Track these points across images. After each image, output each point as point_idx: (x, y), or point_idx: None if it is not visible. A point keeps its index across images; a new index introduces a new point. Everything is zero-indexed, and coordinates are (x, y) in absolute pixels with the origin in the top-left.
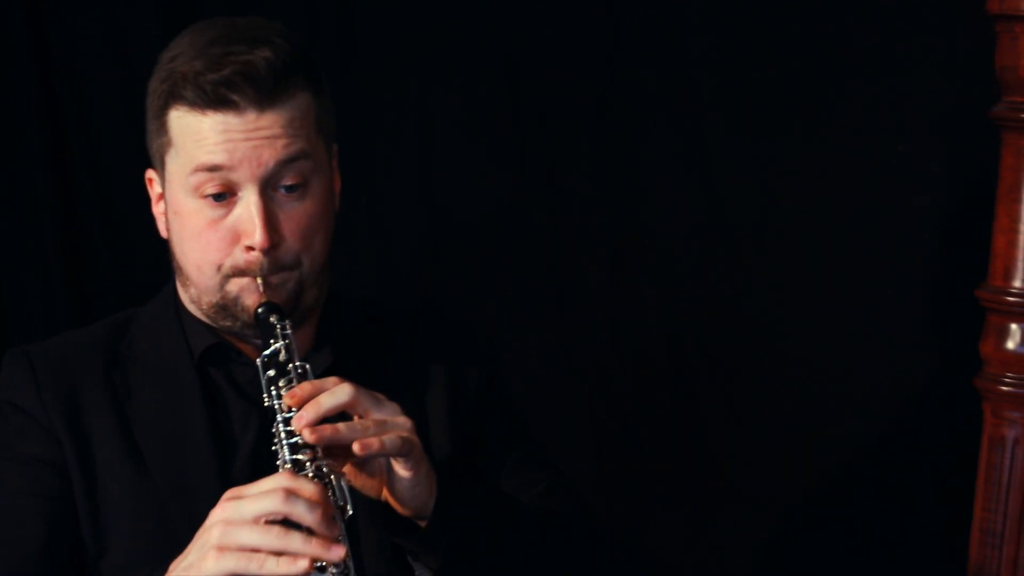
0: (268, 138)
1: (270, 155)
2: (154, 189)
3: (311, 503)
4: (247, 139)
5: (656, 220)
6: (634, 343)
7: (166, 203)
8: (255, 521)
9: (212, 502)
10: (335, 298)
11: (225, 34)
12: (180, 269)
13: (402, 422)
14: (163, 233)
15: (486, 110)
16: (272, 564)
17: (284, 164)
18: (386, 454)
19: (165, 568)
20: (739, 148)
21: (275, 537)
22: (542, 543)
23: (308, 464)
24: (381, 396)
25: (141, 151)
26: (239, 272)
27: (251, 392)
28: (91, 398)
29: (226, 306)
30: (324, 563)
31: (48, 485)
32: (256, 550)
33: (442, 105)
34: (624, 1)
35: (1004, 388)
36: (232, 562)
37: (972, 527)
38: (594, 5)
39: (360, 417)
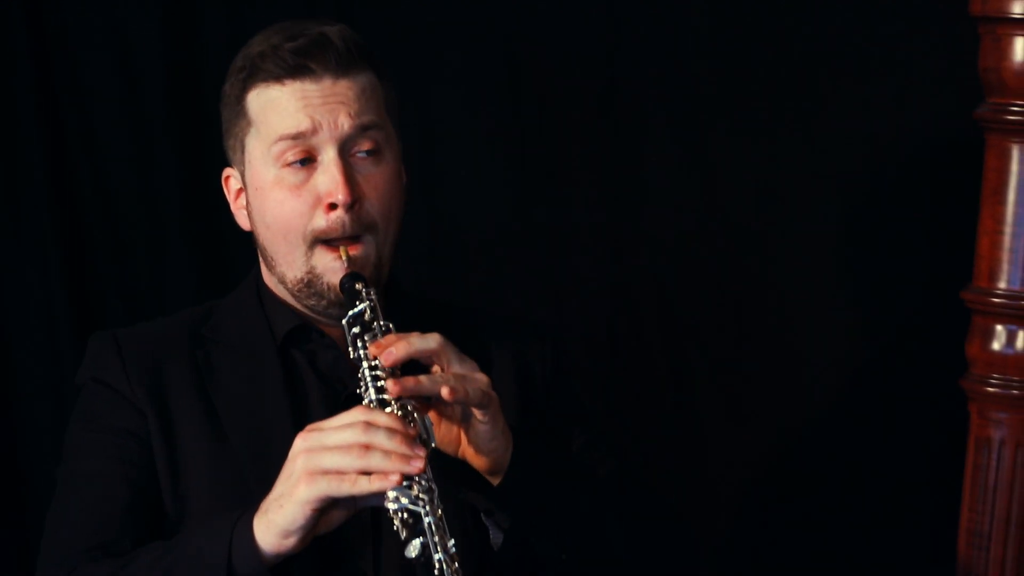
0: (344, 102)
1: (346, 118)
2: (231, 187)
3: (389, 431)
4: (324, 103)
5: (656, 220)
6: (634, 343)
7: (248, 189)
8: (336, 448)
9: None
10: (397, 286)
11: (296, 21)
12: (265, 250)
13: (481, 377)
14: (245, 225)
15: (486, 110)
16: (364, 483)
17: (360, 129)
18: (469, 403)
19: (255, 508)
20: (739, 148)
21: (356, 457)
22: (612, 515)
23: (393, 403)
24: (462, 355)
25: (141, 150)
26: (322, 236)
27: (331, 376)
28: (174, 375)
29: (311, 282)
30: (414, 479)
31: (132, 453)
32: (341, 472)
33: (442, 105)
34: (624, 1)
35: (990, 389)
36: (324, 484)
37: (959, 528)
38: (594, 5)
39: (442, 370)
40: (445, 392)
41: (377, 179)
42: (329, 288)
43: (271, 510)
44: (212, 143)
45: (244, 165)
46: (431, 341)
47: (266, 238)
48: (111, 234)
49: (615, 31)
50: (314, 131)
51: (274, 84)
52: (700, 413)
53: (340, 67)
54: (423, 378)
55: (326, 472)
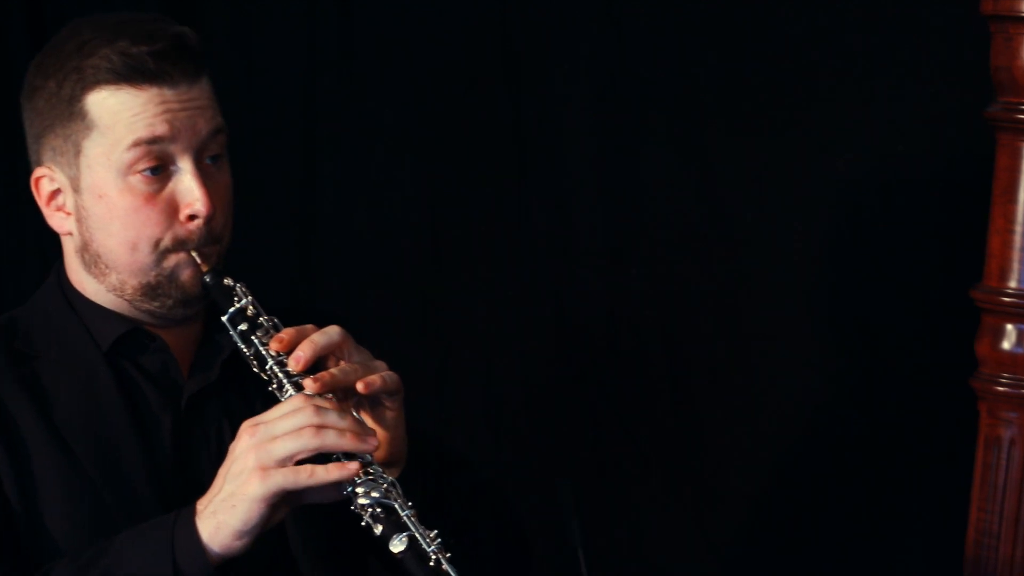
0: (200, 108)
1: (203, 125)
2: (43, 189)
3: (339, 412)
4: (183, 109)
5: (656, 220)
6: (633, 342)
7: (82, 194)
8: (287, 434)
9: (142, 486)
10: None
11: (132, 18)
12: (98, 257)
13: (382, 364)
14: (61, 229)
15: (486, 109)
16: (322, 472)
17: (213, 134)
18: (387, 391)
19: (191, 510)
20: (740, 148)
21: (310, 438)
22: (486, 501)
23: (328, 397)
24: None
25: None
26: (179, 245)
27: (165, 381)
28: (7, 394)
29: (159, 285)
30: (372, 472)
31: None
32: (293, 457)
33: (442, 104)
34: (624, 1)
35: (1000, 388)
36: (279, 478)
37: (968, 528)
38: (594, 5)
39: (345, 360)
40: (361, 386)
41: (222, 188)
42: (178, 287)
43: (221, 511)
44: None
45: (78, 168)
46: (333, 334)
47: (104, 245)
48: None
49: (615, 31)
50: (172, 138)
51: (126, 87)
52: (700, 413)
53: (195, 71)
54: (336, 371)
55: (280, 464)
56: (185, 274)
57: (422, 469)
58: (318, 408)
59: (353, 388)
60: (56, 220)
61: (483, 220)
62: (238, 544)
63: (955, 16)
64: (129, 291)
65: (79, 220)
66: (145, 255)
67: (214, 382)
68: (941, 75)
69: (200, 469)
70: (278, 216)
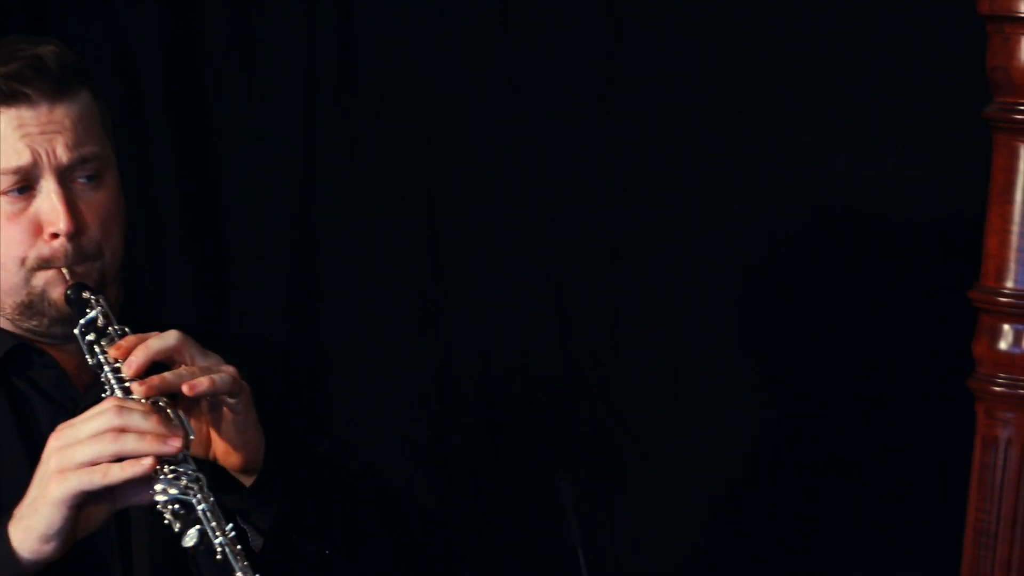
0: (61, 131)
1: (64, 149)
2: None
3: (145, 412)
4: (42, 132)
5: (656, 220)
6: (633, 343)
7: None
8: (89, 439)
9: None
10: (134, 306)
11: (3, 41)
12: None
13: (228, 367)
14: None
15: (486, 109)
16: (116, 470)
17: (79, 155)
18: (216, 392)
19: (8, 516)
20: (739, 148)
21: (109, 443)
22: (370, 508)
23: (141, 400)
24: (204, 349)
25: (140, 149)
26: (44, 263)
27: (57, 395)
28: None
29: (32, 303)
30: (178, 470)
31: None
32: (94, 461)
33: (441, 105)
34: (624, 1)
35: (997, 388)
36: (75, 480)
37: (966, 528)
38: (594, 5)
39: (186, 364)
40: (186, 389)
41: (98, 205)
42: (51, 304)
43: (26, 515)
44: (212, 143)
45: None
46: (170, 338)
47: None
48: None
49: (615, 31)
50: (33, 164)
51: None
52: (701, 413)
53: (56, 91)
54: (167, 374)
55: (79, 466)
56: (56, 292)
57: (284, 474)
58: (121, 409)
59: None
60: None
61: (483, 220)
62: (47, 549)
63: (953, 16)
64: (8, 310)
65: None
66: (13, 274)
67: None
68: (938, 75)
69: None
70: (278, 216)
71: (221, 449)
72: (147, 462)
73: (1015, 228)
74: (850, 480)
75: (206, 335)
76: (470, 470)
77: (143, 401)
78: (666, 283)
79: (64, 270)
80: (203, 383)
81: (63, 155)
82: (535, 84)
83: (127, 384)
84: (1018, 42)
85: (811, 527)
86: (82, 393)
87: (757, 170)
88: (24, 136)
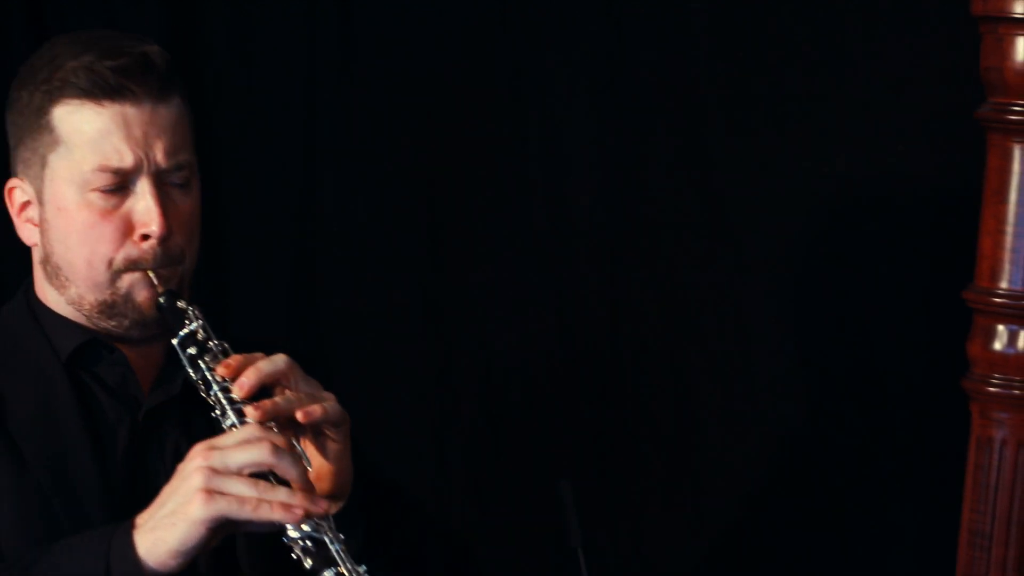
0: (162, 133)
1: (164, 151)
2: (15, 199)
3: (294, 456)
4: (144, 133)
5: (656, 220)
6: (634, 343)
7: (45, 205)
8: (240, 471)
9: (93, 499)
10: None
11: (105, 35)
12: (59, 269)
13: (329, 395)
14: (29, 241)
15: (486, 110)
16: (266, 510)
17: (175, 161)
18: (328, 421)
19: (129, 524)
20: (739, 148)
21: (264, 490)
22: (428, 539)
23: (275, 430)
24: (305, 374)
25: None
26: (132, 264)
27: (123, 394)
28: None
29: (115, 304)
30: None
31: None
32: (242, 497)
33: (442, 105)
34: (624, 1)
35: (991, 389)
36: (223, 506)
37: (960, 529)
38: (594, 5)
39: (291, 389)
40: (300, 415)
41: (185, 211)
42: (134, 308)
43: (161, 527)
44: (212, 142)
45: (43, 181)
46: (279, 362)
47: (64, 259)
48: None
49: (615, 31)
50: (135, 167)
51: (89, 103)
52: (700, 412)
53: (160, 92)
54: (280, 400)
55: (226, 494)
56: (141, 295)
57: (367, 502)
58: (275, 449)
59: (294, 417)
60: (26, 232)
61: (483, 219)
62: (173, 563)
63: (944, 16)
64: (87, 306)
65: (42, 232)
66: (100, 272)
67: (175, 397)
68: (934, 75)
69: (153, 483)
70: (278, 216)
71: (313, 475)
72: (299, 512)
73: (1009, 229)
74: (845, 480)
75: (258, 345)
76: (470, 470)
77: (275, 429)
78: (666, 283)
79: (151, 273)
80: (316, 411)
81: (161, 159)
82: (535, 84)
83: (240, 406)
84: (1012, 43)
85: (807, 527)
86: (146, 393)
87: (757, 170)
88: (128, 137)
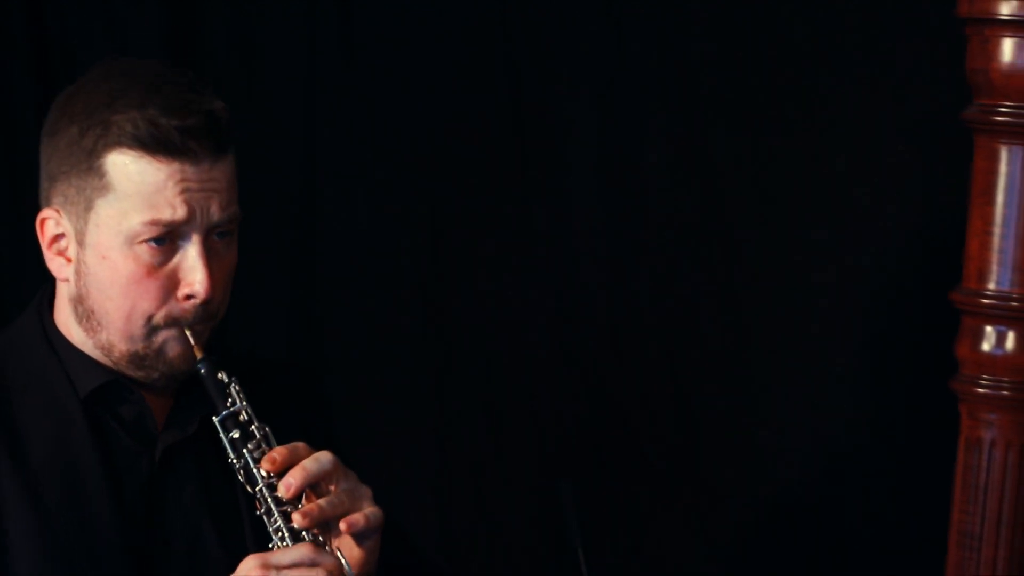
0: (217, 190)
1: (217, 209)
2: (47, 230)
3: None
4: (201, 189)
5: (656, 220)
6: (634, 343)
7: (86, 247)
8: None
9: (110, 538)
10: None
11: (168, 79)
12: (91, 314)
13: (365, 491)
14: (59, 275)
15: (486, 110)
16: None
17: (227, 215)
18: (369, 529)
19: None
20: (739, 148)
21: None
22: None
23: (305, 535)
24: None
25: None
26: (172, 322)
27: (138, 430)
28: None
29: (146, 356)
30: None
31: None
32: None
33: (442, 105)
34: (624, 1)
35: (980, 390)
36: None
37: (950, 529)
38: (594, 5)
39: (330, 487)
40: (344, 526)
41: (226, 266)
42: (166, 363)
43: None
44: None
45: (86, 223)
46: (325, 463)
47: (100, 306)
48: None
49: (615, 31)
50: (187, 220)
51: (148, 157)
52: (700, 413)
53: (220, 150)
54: (325, 505)
55: None
56: (174, 351)
57: None
58: (327, 572)
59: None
60: (56, 264)
61: (483, 221)
62: None
63: (931, 18)
64: (116, 355)
65: (78, 273)
66: (138, 327)
67: (191, 436)
68: (918, 78)
69: (170, 522)
70: (278, 217)
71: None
72: None
73: (996, 230)
74: (833, 482)
75: (250, 363)
76: (471, 470)
77: (327, 548)
78: (666, 283)
79: (188, 332)
80: (359, 521)
81: (215, 214)
82: (535, 84)
83: (286, 508)
84: (997, 44)
85: (794, 529)
86: (159, 433)
87: (757, 170)
88: (184, 192)
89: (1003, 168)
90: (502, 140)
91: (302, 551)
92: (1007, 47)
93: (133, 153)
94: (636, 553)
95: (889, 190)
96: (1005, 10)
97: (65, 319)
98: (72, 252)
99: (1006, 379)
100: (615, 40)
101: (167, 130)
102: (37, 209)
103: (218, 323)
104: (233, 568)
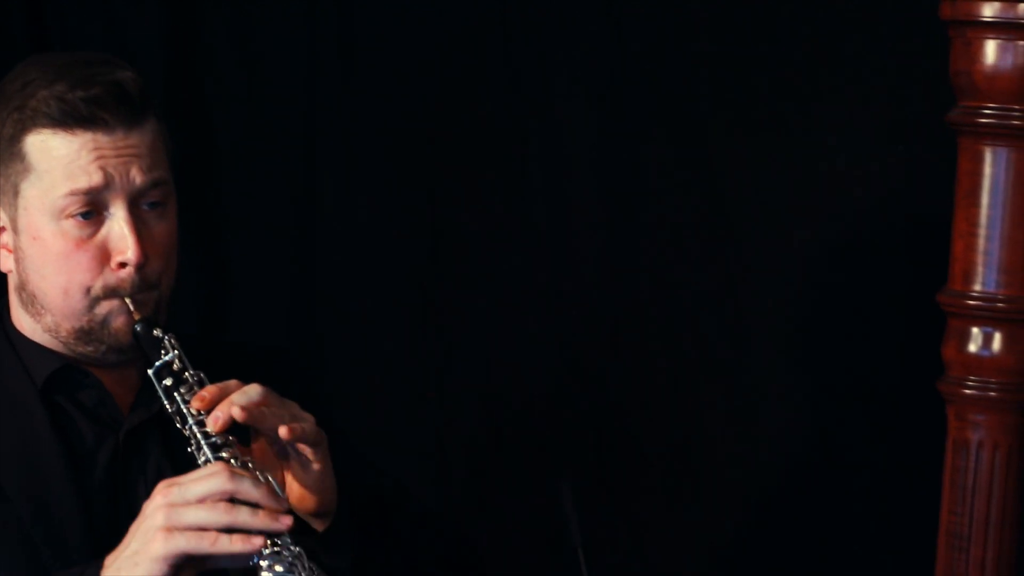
0: (135, 156)
1: (137, 172)
2: None
3: (255, 479)
4: (117, 156)
5: (656, 220)
6: (634, 343)
7: (20, 234)
8: (200, 501)
9: (73, 525)
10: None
11: (78, 60)
12: (34, 298)
13: (308, 416)
14: (5, 267)
15: (486, 109)
16: (225, 541)
17: (149, 182)
18: (305, 440)
19: (99, 564)
20: (739, 148)
21: (223, 513)
22: (424, 531)
23: (233, 462)
24: (282, 398)
25: None
26: (110, 292)
27: (99, 414)
28: None
29: (92, 330)
30: (279, 543)
31: None
32: (204, 528)
33: (442, 105)
34: (624, 1)
35: (967, 391)
36: (182, 541)
37: (939, 531)
38: (594, 5)
39: None
40: (283, 431)
41: (161, 234)
42: (111, 334)
43: (124, 568)
44: (212, 143)
45: (16, 209)
46: (253, 395)
47: (40, 288)
48: None
49: (615, 31)
50: (105, 185)
51: (61, 132)
52: (700, 413)
53: (133, 118)
54: (264, 409)
55: (187, 528)
56: (118, 321)
57: (355, 515)
58: (233, 474)
59: (277, 440)
60: (0, 258)
61: (483, 220)
62: None
63: (915, 21)
64: (63, 333)
65: (17, 260)
66: (77, 300)
67: (155, 417)
68: (903, 80)
69: (135, 505)
70: (278, 217)
71: (296, 495)
72: (257, 541)
73: (981, 231)
74: (822, 484)
75: (234, 347)
76: (471, 470)
77: (247, 464)
78: (666, 283)
79: (128, 300)
80: (296, 428)
81: (136, 178)
82: (535, 84)
83: (214, 440)
84: (980, 46)
85: (784, 530)
86: (125, 414)
87: (757, 170)
88: (99, 159)
89: (987, 170)
90: (502, 140)
91: (211, 467)
92: (990, 49)
93: (47, 131)
94: (636, 553)
95: (875, 191)
96: (988, 12)
97: (16, 312)
98: (10, 241)
99: (993, 380)
100: (615, 40)
101: (73, 102)
102: None
103: (166, 298)
104: None
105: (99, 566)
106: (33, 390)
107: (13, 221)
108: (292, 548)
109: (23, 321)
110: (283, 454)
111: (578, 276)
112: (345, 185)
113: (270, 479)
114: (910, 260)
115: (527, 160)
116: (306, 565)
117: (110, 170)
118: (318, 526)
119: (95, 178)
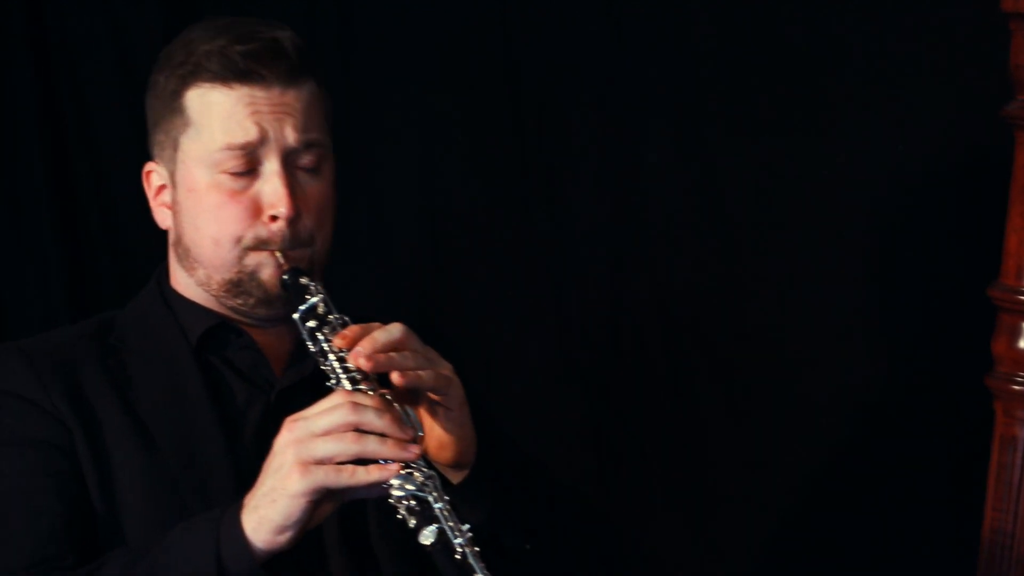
0: (291, 113)
1: (292, 131)
2: (152, 183)
3: (378, 410)
4: (272, 112)
5: (656, 219)
6: (634, 342)
7: (177, 188)
8: (326, 433)
9: (221, 477)
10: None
11: (240, 20)
12: (188, 251)
13: (445, 363)
14: (163, 224)
15: (486, 110)
16: (363, 473)
17: (305, 139)
18: (427, 387)
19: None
20: (739, 148)
21: (351, 443)
22: (562, 499)
23: (370, 393)
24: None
25: (141, 150)
26: (260, 244)
27: (252, 375)
28: (91, 384)
29: (241, 281)
30: (413, 465)
31: (59, 465)
32: (333, 460)
33: (442, 105)
34: (624, 1)
35: (1015, 387)
36: (320, 475)
37: (983, 527)
38: (594, 5)
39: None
40: (396, 376)
41: (316, 194)
42: (259, 285)
43: (262, 506)
44: None
45: (175, 163)
46: (395, 331)
47: (193, 240)
48: (111, 234)
49: (615, 31)
50: (261, 141)
51: (220, 86)
52: (701, 413)
53: (290, 76)
54: (394, 354)
55: (320, 461)
56: (266, 273)
57: (493, 471)
58: (355, 407)
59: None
60: (160, 215)
61: (483, 221)
62: (281, 539)
63: (974, 13)
64: (214, 286)
65: (175, 215)
66: (227, 250)
67: (307, 378)
68: (959, 73)
69: None
70: None
71: (434, 444)
72: (393, 467)
73: None
74: (866, 479)
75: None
76: None
77: (371, 394)
78: (666, 283)
79: (278, 253)
80: (414, 375)
81: (290, 136)
82: (535, 84)
83: (354, 375)
84: None
85: (825, 526)
86: (279, 376)
87: (757, 170)
88: (254, 113)
89: None
90: (502, 140)
91: (334, 398)
92: None
93: (206, 85)
94: (636, 553)
95: (925, 185)
96: None
97: (173, 269)
98: (169, 198)
99: None
100: (615, 40)
101: (232, 56)
102: (37, 208)
103: (320, 257)
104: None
105: (239, 506)
106: (187, 348)
107: (172, 175)
108: (425, 471)
109: (179, 277)
110: (418, 398)
111: (578, 276)
112: (345, 185)
113: (404, 409)
114: (961, 254)
115: (527, 161)
116: (437, 486)
117: (265, 125)
118: (455, 478)
119: (251, 133)
